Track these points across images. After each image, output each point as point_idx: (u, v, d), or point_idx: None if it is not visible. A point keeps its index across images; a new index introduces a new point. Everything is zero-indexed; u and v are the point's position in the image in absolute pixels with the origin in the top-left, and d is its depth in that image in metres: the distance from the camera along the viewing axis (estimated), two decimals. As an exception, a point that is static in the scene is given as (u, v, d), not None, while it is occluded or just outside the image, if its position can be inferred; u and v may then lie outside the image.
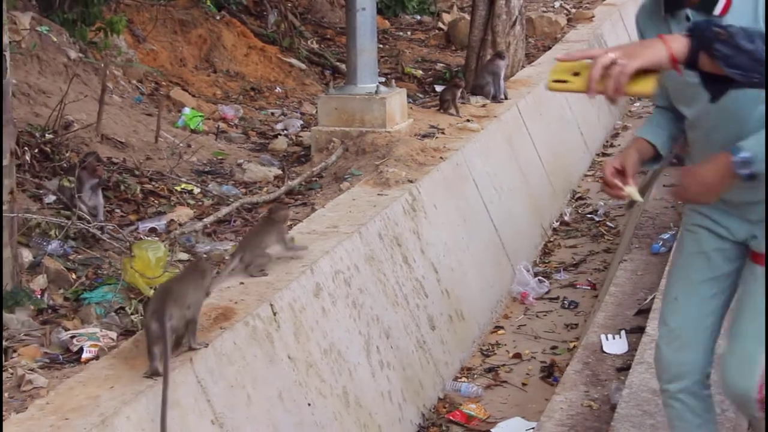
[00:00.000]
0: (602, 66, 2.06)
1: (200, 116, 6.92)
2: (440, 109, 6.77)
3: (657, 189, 6.39)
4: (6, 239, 3.74)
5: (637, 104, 9.74)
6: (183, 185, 5.45)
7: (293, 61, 8.81)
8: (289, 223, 4.88)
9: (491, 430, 4.27)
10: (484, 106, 7.01)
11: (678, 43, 2.08)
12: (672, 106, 2.69)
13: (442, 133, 6.22)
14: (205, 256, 4.30)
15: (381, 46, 9.06)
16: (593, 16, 11.17)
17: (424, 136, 6.09)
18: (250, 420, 3.21)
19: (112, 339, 3.43)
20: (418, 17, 11.71)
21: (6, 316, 3.55)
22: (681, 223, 2.90)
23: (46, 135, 5.32)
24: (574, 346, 4.91)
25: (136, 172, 5.42)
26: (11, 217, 3.77)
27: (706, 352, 2.72)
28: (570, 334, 5.25)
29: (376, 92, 6.05)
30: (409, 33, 10.99)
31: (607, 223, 6.89)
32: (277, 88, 8.22)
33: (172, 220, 4.89)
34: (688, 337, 2.71)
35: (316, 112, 6.45)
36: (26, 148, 5.01)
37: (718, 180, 2.40)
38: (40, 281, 3.90)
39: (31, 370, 3.05)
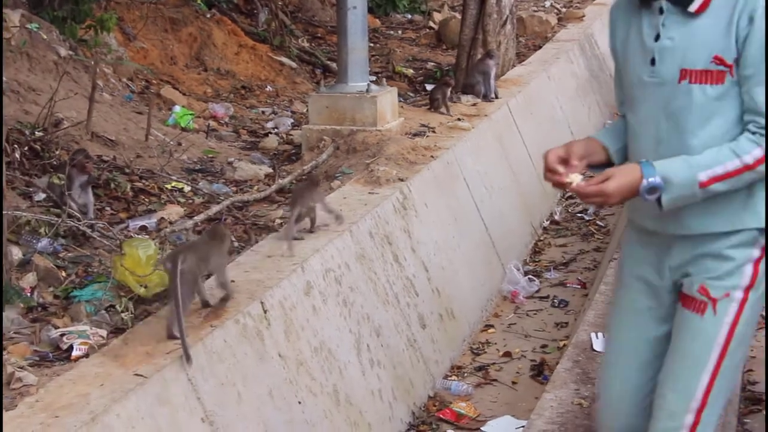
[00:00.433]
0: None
1: (191, 114, 6.91)
2: (431, 107, 6.78)
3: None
4: (-4, 237, 3.73)
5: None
6: (173, 183, 5.44)
7: (284, 59, 8.80)
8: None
9: (481, 428, 4.27)
10: (474, 105, 7.01)
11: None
12: None
13: (433, 131, 6.23)
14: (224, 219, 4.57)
15: (372, 44, 9.06)
16: (584, 16, 11.20)
17: (415, 135, 6.10)
18: (240, 418, 3.21)
19: (102, 337, 3.43)
20: (409, 16, 11.71)
21: (-5, 313, 3.54)
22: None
23: (36, 132, 5.30)
24: (564, 345, 4.92)
25: (127, 170, 5.41)
26: (1, 215, 3.75)
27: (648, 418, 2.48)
28: (560, 332, 5.27)
29: (367, 91, 6.06)
30: (399, 32, 11.00)
31: (597, 222, 6.91)
32: (268, 87, 8.22)
33: (162, 218, 4.88)
34: (628, 408, 2.53)
35: (307, 110, 6.45)
36: (16, 146, 5.00)
37: (623, 199, 2.31)
38: (29, 279, 3.89)
39: (21, 367, 3.04)
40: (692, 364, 2.37)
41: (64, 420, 2.63)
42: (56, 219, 4.27)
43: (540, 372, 4.79)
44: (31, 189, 4.77)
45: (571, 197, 7.39)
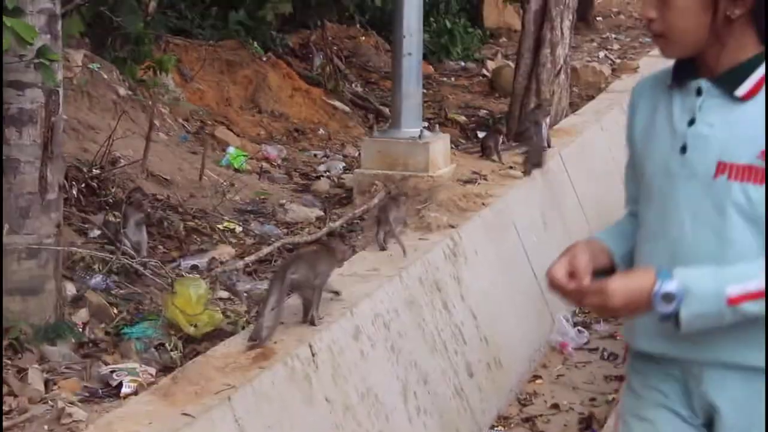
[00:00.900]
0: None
1: (244, 155, 6.98)
2: (483, 155, 6.78)
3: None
4: (50, 272, 3.79)
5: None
6: (225, 224, 5.49)
7: (337, 103, 8.88)
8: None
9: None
10: (527, 153, 6.99)
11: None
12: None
13: (485, 179, 6.22)
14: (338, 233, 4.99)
15: (425, 91, 9.11)
16: (638, 67, 11.17)
17: (467, 182, 6.10)
18: (286, 461, 3.19)
19: (151, 375, 3.45)
20: (463, 63, 11.78)
21: (47, 348, 3.58)
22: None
23: (94, 170, 5.39)
24: (614, 399, 4.84)
25: (180, 210, 5.48)
26: (57, 250, 3.82)
27: None
28: (609, 385, 5.18)
29: (420, 137, 6.08)
30: (453, 79, 11.05)
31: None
32: (321, 130, 8.29)
33: (213, 258, 4.92)
34: None
35: (359, 154, 6.48)
36: (74, 183, 5.09)
37: (629, 309, 1.92)
38: (82, 315, 3.94)
39: (71, 403, 3.06)
40: None
41: (112, 457, 2.64)
42: (110, 256, 4.33)
43: (588, 425, 4.71)
44: (86, 225, 4.84)
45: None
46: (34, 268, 3.73)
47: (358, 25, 11.59)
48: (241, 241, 5.33)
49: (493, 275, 5.29)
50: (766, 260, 1.88)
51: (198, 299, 3.95)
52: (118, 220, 4.61)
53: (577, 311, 6.20)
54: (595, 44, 13.79)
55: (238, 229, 5.47)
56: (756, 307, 1.86)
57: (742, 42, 1.96)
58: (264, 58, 8.97)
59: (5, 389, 3.17)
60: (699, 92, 1.99)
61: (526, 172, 6.35)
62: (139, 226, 4.66)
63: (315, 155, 7.61)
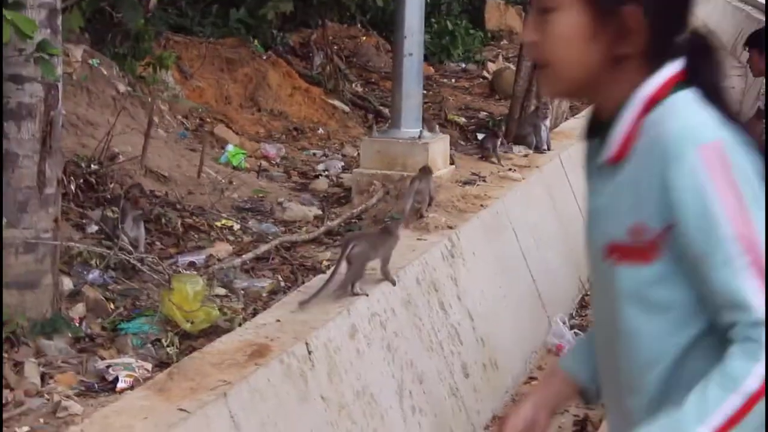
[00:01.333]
0: None
1: (243, 153, 6.98)
2: (482, 157, 6.79)
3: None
4: (48, 267, 3.79)
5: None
6: (223, 221, 5.49)
7: (337, 103, 8.89)
8: (326, 263, 4.88)
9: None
10: (526, 156, 7.01)
11: None
12: None
13: (484, 180, 6.23)
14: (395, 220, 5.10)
15: (425, 92, 9.11)
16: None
17: (466, 183, 6.10)
18: (280, 459, 3.19)
19: (147, 370, 3.45)
20: (463, 65, 11.77)
21: (44, 342, 3.58)
22: None
23: (92, 166, 5.39)
24: (609, 401, 4.84)
25: (178, 206, 5.47)
26: (54, 245, 3.81)
27: None
28: (605, 388, 5.18)
29: (420, 137, 6.08)
30: (453, 80, 11.05)
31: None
32: (320, 129, 8.29)
33: (211, 255, 4.92)
34: None
35: (358, 154, 6.48)
36: (72, 178, 5.09)
37: None
38: (79, 309, 3.94)
39: (67, 396, 3.06)
40: None
41: (107, 451, 2.64)
42: (108, 251, 4.33)
43: (583, 428, 4.71)
44: (84, 221, 4.84)
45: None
46: (32, 262, 3.73)
47: (359, 25, 11.59)
48: (239, 239, 5.32)
49: (490, 276, 5.29)
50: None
51: (195, 296, 3.95)
52: (116, 215, 4.61)
53: (573, 313, 6.20)
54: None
55: (236, 226, 5.47)
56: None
57: (625, 87, 1.56)
58: (264, 57, 8.97)
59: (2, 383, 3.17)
60: (596, 151, 1.63)
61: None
62: (136, 222, 4.66)
63: (314, 154, 7.61)
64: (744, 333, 1.45)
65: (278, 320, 3.73)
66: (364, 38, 11.34)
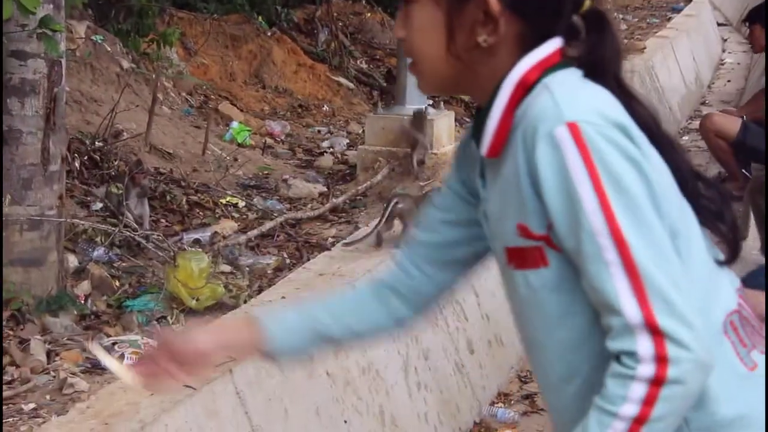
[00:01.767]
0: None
1: (248, 131, 6.96)
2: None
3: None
4: (53, 244, 3.78)
5: (686, 137, 9.64)
6: (228, 198, 5.48)
7: (341, 80, 8.85)
8: (331, 240, 4.88)
9: (527, 457, 4.22)
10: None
11: None
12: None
13: (488, 157, 6.20)
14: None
15: (429, 68, 9.07)
16: (644, 48, 11.12)
17: (470, 160, 6.08)
18: (286, 434, 3.20)
19: (153, 347, 3.45)
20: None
21: (49, 320, 3.59)
22: None
23: (96, 143, 5.38)
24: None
25: (183, 183, 5.47)
26: (59, 222, 3.81)
27: None
28: (610, 365, 5.19)
29: (425, 113, 6.05)
30: (457, 56, 11.00)
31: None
32: (325, 106, 8.26)
33: (216, 232, 4.91)
34: None
35: (363, 131, 6.46)
36: (76, 155, 5.08)
37: None
38: (84, 287, 3.94)
39: (73, 374, 3.07)
40: None
41: (113, 428, 2.64)
42: (113, 229, 4.32)
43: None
44: (89, 198, 4.83)
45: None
46: (36, 239, 3.73)
47: (363, 2, 11.51)
48: (244, 216, 5.32)
49: (495, 253, 5.28)
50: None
51: (200, 273, 3.95)
52: (120, 192, 4.60)
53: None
54: (601, 24, 13.70)
55: (241, 203, 5.46)
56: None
57: (500, 76, 1.41)
58: (268, 33, 8.93)
59: (7, 359, 3.17)
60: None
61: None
62: (141, 199, 4.65)
63: (319, 131, 7.59)
64: (617, 344, 1.29)
65: (283, 297, 3.73)
66: (369, 14, 11.28)
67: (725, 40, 13.34)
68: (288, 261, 4.61)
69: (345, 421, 3.50)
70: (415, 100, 6.18)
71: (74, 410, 2.75)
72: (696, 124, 7.97)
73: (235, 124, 7.02)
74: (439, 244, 1.65)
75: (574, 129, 1.29)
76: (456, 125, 6.66)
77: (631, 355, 1.27)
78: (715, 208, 1.46)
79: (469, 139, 1.56)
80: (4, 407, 2.84)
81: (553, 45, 1.41)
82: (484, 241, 1.56)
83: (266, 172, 6.22)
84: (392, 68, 8.77)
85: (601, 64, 1.41)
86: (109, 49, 6.65)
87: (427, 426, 4.06)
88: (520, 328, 1.53)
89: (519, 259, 1.41)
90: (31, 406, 2.88)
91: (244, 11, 9.23)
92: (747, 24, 6.04)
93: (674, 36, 11.70)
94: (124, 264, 4.26)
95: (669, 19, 13.44)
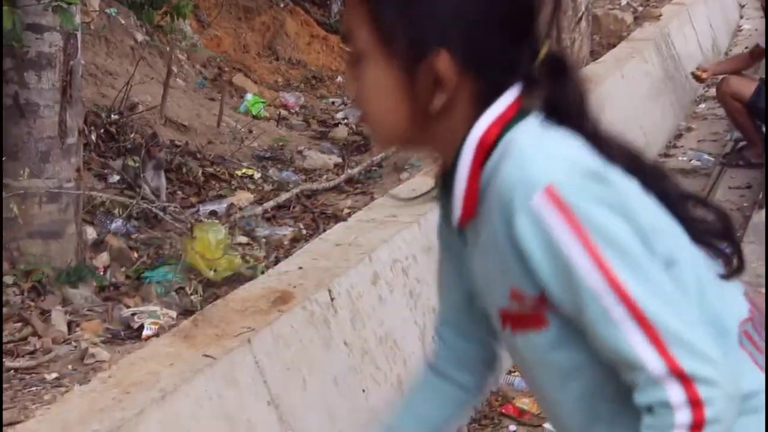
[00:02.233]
0: None
1: (262, 102, 6.97)
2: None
3: (723, 191, 6.30)
4: (71, 216, 3.81)
5: (702, 105, 9.60)
6: (243, 170, 5.50)
7: (355, 51, 8.82)
8: (347, 211, 4.89)
9: (543, 424, 4.24)
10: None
11: None
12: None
13: (503, 127, 6.19)
14: None
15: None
16: (660, 15, 11.02)
17: (485, 130, 6.07)
18: (305, 403, 3.23)
19: (172, 318, 3.48)
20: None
21: (69, 291, 3.62)
22: None
23: (112, 116, 5.40)
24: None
25: (198, 156, 5.48)
26: (77, 195, 3.83)
27: None
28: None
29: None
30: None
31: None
32: (339, 78, 8.25)
33: (232, 203, 4.93)
34: None
35: (378, 102, 6.44)
36: (92, 128, 5.10)
37: None
38: (103, 258, 3.97)
39: (94, 344, 3.10)
40: None
41: (135, 396, 2.67)
42: (130, 201, 4.35)
43: None
44: (105, 171, 4.86)
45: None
46: (55, 212, 3.75)
47: (376, -28, 11.47)
48: (260, 188, 5.33)
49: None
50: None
51: (217, 244, 3.97)
52: (137, 165, 4.62)
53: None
54: (616, -8, 13.61)
55: (257, 175, 5.48)
56: None
57: (460, 134, 1.34)
58: (281, 5, 8.91)
59: (29, 330, 3.21)
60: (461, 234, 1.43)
61: None
62: (157, 171, 4.67)
63: (333, 103, 7.58)
64: (646, 397, 1.25)
65: (300, 267, 3.74)
66: (382, -15, 11.22)
67: (743, 6, 13.22)
68: (304, 232, 4.63)
69: (363, 390, 3.52)
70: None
71: (96, 379, 2.78)
72: (713, 92, 7.91)
73: (249, 96, 7.02)
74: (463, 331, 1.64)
75: (549, 194, 1.23)
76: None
77: (664, 405, 1.23)
78: (711, 227, 1.41)
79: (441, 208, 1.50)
80: (27, 377, 2.88)
81: (510, 97, 1.34)
82: None
83: (281, 143, 6.22)
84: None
85: (564, 108, 1.34)
86: (123, 22, 6.65)
87: (444, 395, 4.09)
88: (529, 384, 1.46)
89: (516, 321, 1.36)
90: (54, 375, 2.91)
91: (257, -17, 9.20)
92: None
93: (691, 3, 11.60)
94: (141, 236, 4.29)
95: (685, -14, 13.31)
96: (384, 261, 4.02)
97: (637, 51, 9.02)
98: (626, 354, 1.24)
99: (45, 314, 3.35)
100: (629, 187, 1.30)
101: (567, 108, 1.34)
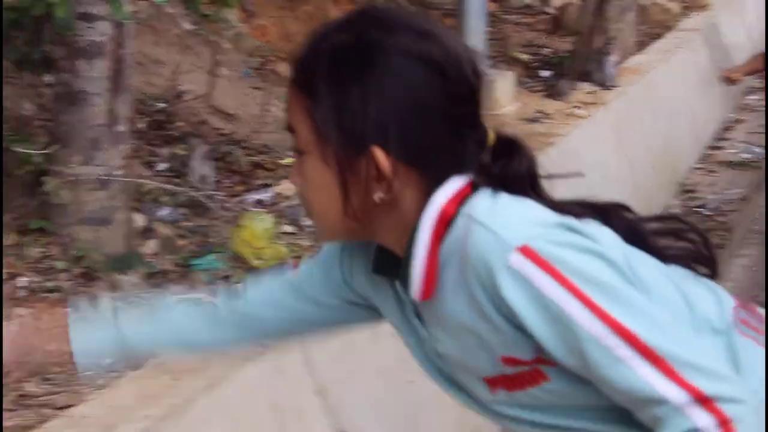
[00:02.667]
0: None
1: (307, 92, 6.97)
2: (547, 94, 6.70)
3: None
4: (120, 203, 3.84)
5: (752, 96, 9.45)
6: (289, 159, 5.51)
7: (399, 40, 8.80)
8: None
9: None
10: (592, 93, 6.90)
11: None
12: None
13: (549, 118, 6.15)
14: None
15: (487, 29, 8.99)
16: (708, 5, 10.88)
17: (531, 121, 6.03)
18: (351, 393, 3.23)
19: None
20: (526, 1, 11.56)
21: (118, 277, 3.65)
22: None
23: (159, 104, 5.43)
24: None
25: (244, 144, 5.50)
26: (126, 182, 3.87)
27: None
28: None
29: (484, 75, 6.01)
30: (516, 16, 10.87)
31: (717, 218, 6.71)
32: (383, 67, 8.23)
33: (278, 192, 4.94)
34: None
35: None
36: (140, 116, 5.13)
37: None
38: (150, 246, 4.00)
39: (143, 331, 3.12)
40: None
41: (184, 383, 2.70)
42: (177, 188, 4.38)
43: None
44: (153, 158, 4.88)
45: (688, 191, 7.19)
46: (105, 199, 3.79)
47: (420, -39, 11.43)
48: (305, 177, 5.34)
49: (556, 215, 5.25)
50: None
51: (264, 233, 3.98)
52: (184, 153, 4.65)
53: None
54: (663, -19, 13.44)
55: (302, 164, 5.48)
56: None
57: (407, 221, 1.35)
58: (326, -6, 8.90)
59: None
60: (394, 289, 1.45)
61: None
62: (205, 159, 4.69)
63: (377, 92, 7.57)
64: (674, 429, 1.22)
65: (347, 257, 3.75)
66: (426, -26, 11.19)
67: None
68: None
69: (410, 382, 3.52)
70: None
71: (148, 365, 2.81)
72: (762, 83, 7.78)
73: (294, 86, 7.02)
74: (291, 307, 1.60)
75: (526, 251, 1.24)
76: (514, 86, 6.60)
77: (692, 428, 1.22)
78: (685, 253, 1.45)
79: (366, 260, 1.47)
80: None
81: (464, 179, 1.34)
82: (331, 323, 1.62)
83: (326, 133, 6.23)
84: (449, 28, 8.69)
85: (516, 182, 1.35)
86: (171, 11, 6.68)
87: (489, 387, 4.08)
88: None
89: (511, 383, 1.35)
90: (108, 360, 2.93)
91: (302, -28, 9.21)
92: None
93: (739, -7, 11.43)
94: (188, 224, 4.31)
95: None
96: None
97: (685, 41, 8.91)
98: (642, 391, 1.23)
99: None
100: (593, 228, 1.32)
101: (518, 182, 1.35)
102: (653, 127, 7.11)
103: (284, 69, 7.49)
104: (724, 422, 1.21)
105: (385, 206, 1.33)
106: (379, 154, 1.30)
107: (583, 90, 6.93)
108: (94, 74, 3.74)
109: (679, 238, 1.47)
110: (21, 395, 2.73)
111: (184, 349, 1.69)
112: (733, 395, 1.22)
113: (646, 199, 6.60)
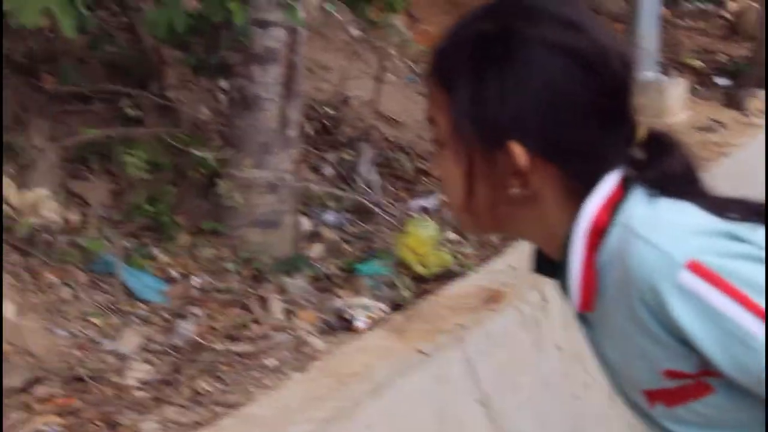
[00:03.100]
0: None
1: (471, 99, 6.94)
2: (725, 103, 6.43)
3: None
4: (289, 207, 3.92)
5: None
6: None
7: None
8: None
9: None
10: (771, 101, 6.58)
11: None
12: None
13: (724, 127, 5.90)
14: None
15: (659, 34, 8.72)
16: None
17: (704, 130, 5.80)
18: (515, 405, 3.18)
19: (383, 311, 3.51)
20: (700, 5, 11.16)
21: (285, 280, 3.72)
22: None
23: (327, 109, 5.51)
24: None
25: (409, 150, 5.52)
26: (295, 186, 3.94)
27: None
28: None
29: (655, 81, 5.83)
30: (688, 21, 10.50)
31: None
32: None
33: (442, 199, 4.93)
34: None
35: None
36: (309, 121, 5.23)
37: None
38: (316, 249, 4.06)
39: (309, 333, 3.17)
40: None
41: (350, 387, 2.71)
42: (344, 194, 4.42)
43: None
44: (320, 163, 4.96)
45: None
46: (274, 202, 3.87)
47: (588, -34, 11.22)
48: (470, 184, 5.31)
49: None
50: None
51: (428, 240, 3.98)
52: (351, 158, 4.70)
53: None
54: None
55: (466, 171, 5.45)
56: None
57: (554, 221, 1.30)
58: (491, -1, 8.85)
59: (249, 317, 3.32)
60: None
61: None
62: (371, 165, 4.73)
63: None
64: None
65: (512, 266, 3.69)
66: (594, -20, 10.97)
67: None
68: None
69: (575, 397, 3.44)
70: (645, 66, 5.96)
71: (314, 368, 2.85)
72: None
73: (459, 92, 7.01)
74: None
75: (695, 267, 1.17)
76: (688, 94, 6.37)
77: None
78: None
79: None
80: (248, 361, 2.98)
81: (613, 180, 1.26)
82: None
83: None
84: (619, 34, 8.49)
85: (672, 183, 1.26)
86: (340, 17, 6.79)
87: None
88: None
89: (670, 397, 1.28)
90: (274, 362, 3.00)
91: (468, -22, 9.19)
92: None
93: None
94: (354, 229, 4.35)
95: None
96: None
97: None
98: None
99: (263, 301, 3.46)
100: (759, 235, 1.22)
101: (676, 183, 1.27)
102: (838, 138, 6.72)
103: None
104: None
105: (522, 202, 1.28)
106: (517, 149, 1.25)
107: (762, 98, 6.61)
108: (268, 80, 3.83)
109: None
110: (196, 392, 2.82)
111: None
112: None
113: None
